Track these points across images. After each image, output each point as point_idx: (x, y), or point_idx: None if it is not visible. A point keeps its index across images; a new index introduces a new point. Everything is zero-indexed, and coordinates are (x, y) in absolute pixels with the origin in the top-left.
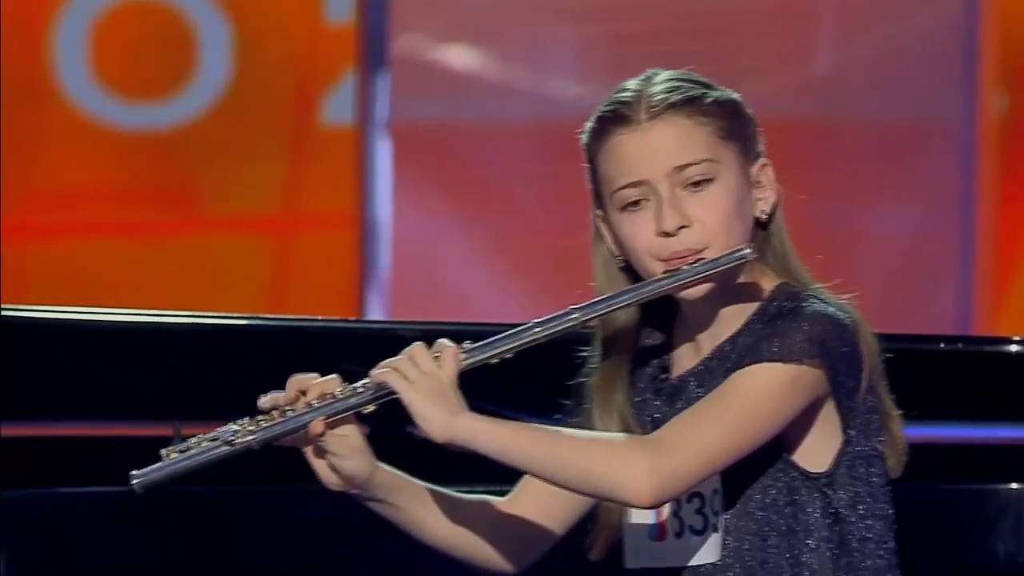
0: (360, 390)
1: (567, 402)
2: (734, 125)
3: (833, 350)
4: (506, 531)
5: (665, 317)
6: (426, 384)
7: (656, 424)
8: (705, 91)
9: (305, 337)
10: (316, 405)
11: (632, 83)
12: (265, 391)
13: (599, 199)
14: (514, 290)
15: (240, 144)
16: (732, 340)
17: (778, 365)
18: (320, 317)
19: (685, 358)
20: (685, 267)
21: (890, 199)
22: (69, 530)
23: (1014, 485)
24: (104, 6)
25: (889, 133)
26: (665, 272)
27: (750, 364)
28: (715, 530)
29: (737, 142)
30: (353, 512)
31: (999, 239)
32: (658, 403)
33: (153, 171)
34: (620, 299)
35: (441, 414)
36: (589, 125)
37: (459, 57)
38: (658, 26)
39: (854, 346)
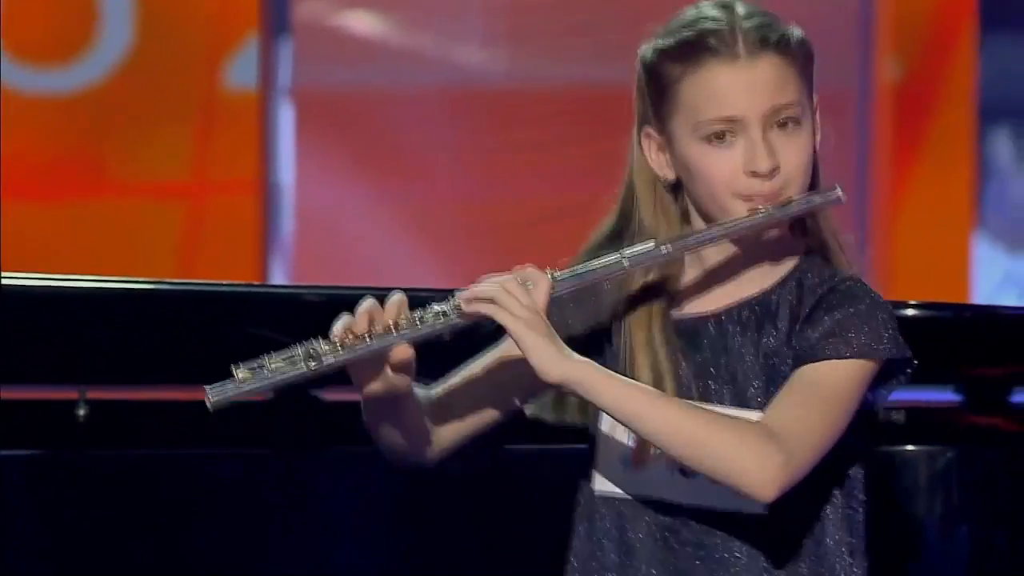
0: (445, 316)
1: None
2: (808, 66)
3: (898, 338)
4: (440, 426)
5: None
6: (536, 321)
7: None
8: (788, 29)
9: (210, 301)
10: (399, 330)
11: (712, 11)
12: (171, 354)
13: (658, 119)
14: (417, 253)
15: (144, 108)
16: (764, 298)
17: (860, 361)
18: (225, 282)
19: (698, 299)
20: (775, 208)
21: None
22: None
23: (910, 447)
24: None
25: None
26: (751, 211)
27: (837, 357)
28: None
29: (809, 82)
30: (254, 477)
31: (893, 204)
32: (679, 343)
33: (57, 135)
34: (710, 234)
35: (556, 354)
36: (663, 46)
37: (362, 22)
38: None
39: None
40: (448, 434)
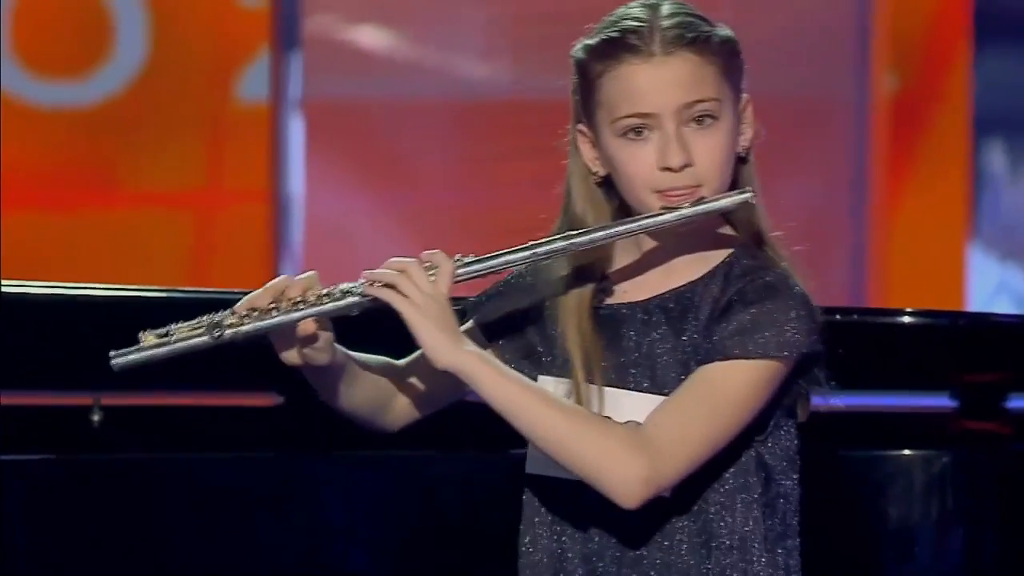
0: (349, 295)
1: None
2: (732, 64)
3: (813, 336)
4: (403, 395)
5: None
6: (433, 309)
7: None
8: (712, 29)
9: (222, 308)
10: (305, 306)
11: (637, 10)
12: (183, 361)
13: (586, 115)
14: None
15: (158, 121)
16: (691, 288)
17: (766, 362)
18: (236, 290)
19: (630, 287)
20: (686, 206)
21: (785, 175)
22: None
23: (906, 451)
24: None
25: (784, 110)
26: (663, 208)
27: (742, 356)
28: None
29: (733, 82)
30: (263, 481)
31: (889, 214)
32: (598, 329)
33: (73, 148)
34: (619, 229)
35: (447, 342)
36: (590, 43)
37: (370, 36)
38: (562, 8)
39: (818, 326)
40: (408, 404)
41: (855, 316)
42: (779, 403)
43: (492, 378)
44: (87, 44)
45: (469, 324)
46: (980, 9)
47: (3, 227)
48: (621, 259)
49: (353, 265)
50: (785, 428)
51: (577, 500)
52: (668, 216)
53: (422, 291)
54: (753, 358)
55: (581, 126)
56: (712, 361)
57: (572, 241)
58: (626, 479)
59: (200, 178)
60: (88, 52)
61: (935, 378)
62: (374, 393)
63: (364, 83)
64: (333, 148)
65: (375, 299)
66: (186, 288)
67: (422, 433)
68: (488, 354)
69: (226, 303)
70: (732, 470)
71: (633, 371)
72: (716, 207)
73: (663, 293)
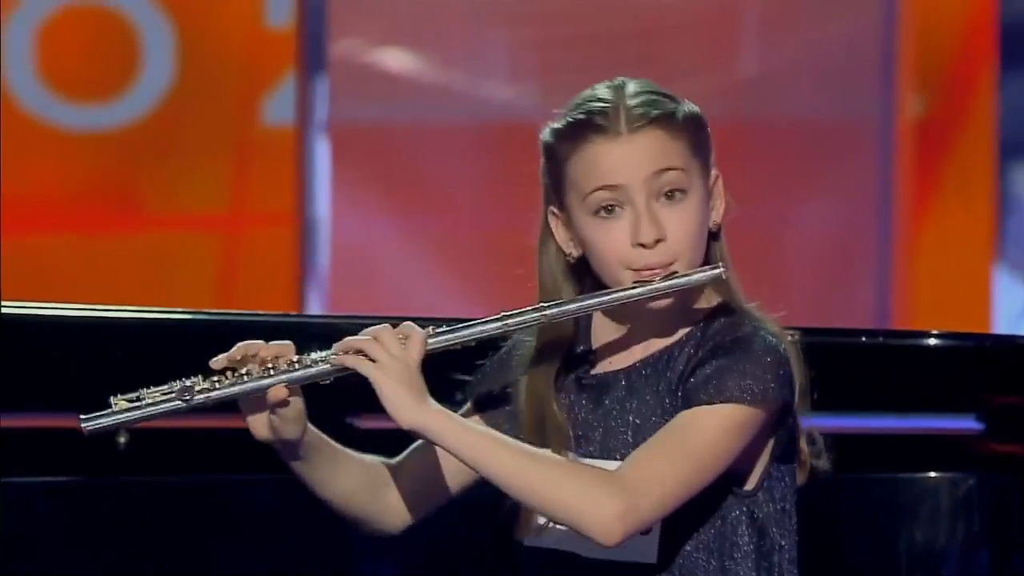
0: (321, 363)
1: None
2: (699, 139)
3: (784, 386)
4: (398, 491)
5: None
6: (398, 370)
7: (581, 424)
8: (677, 105)
9: (246, 331)
10: (276, 372)
11: (603, 91)
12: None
13: (558, 197)
14: (449, 285)
15: (184, 144)
16: (668, 351)
17: (736, 406)
18: (261, 313)
19: (614, 357)
20: (658, 281)
21: (811, 197)
22: (21, 520)
23: (932, 474)
24: (50, 9)
25: (810, 133)
26: (636, 282)
27: (711, 401)
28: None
29: (701, 156)
30: (291, 502)
31: (915, 237)
32: (583, 400)
33: (100, 170)
34: (591, 302)
35: (410, 401)
36: (557, 127)
37: (395, 60)
38: (588, 30)
39: (793, 377)
40: (404, 500)
41: (881, 338)
42: (758, 456)
43: (456, 433)
44: (114, 67)
45: (468, 408)
46: (1006, 33)
47: (30, 249)
48: (602, 328)
49: (380, 288)
50: (778, 479)
51: (572, 568)
52: (639, 290)
53: (390, 354)
54: (722, 402)
55: (553, 207)
56: (683, 409)
57: (544, 314)
58: (602, 516)
59: (226, 201)
60: (115, 75)
61: (961, 400)
62: (361, 483)
63: (390, 106)
64: (359, 171)
65: (345, 367)
66: (212, 311)
67: None
68: (452, 412)
69: (251, 326)
70: (720, 527)
71: (616, 435)
72: (687, 283)
73: (644, 359)
